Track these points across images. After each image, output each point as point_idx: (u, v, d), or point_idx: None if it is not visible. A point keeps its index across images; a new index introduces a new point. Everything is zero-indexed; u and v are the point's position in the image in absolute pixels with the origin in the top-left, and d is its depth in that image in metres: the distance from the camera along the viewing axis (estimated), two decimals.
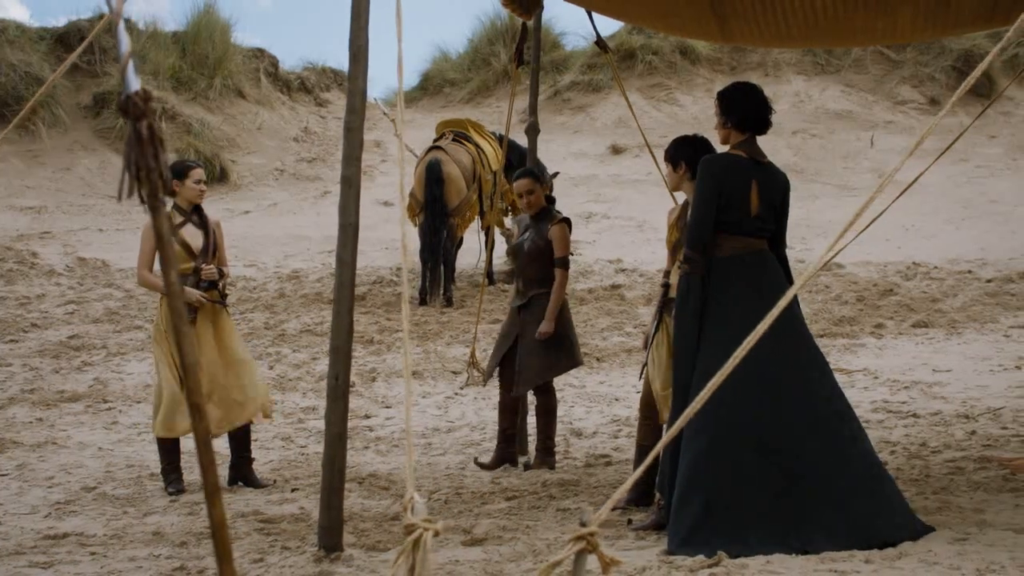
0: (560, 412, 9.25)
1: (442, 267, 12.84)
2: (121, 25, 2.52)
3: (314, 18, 37.69)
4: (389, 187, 16.99)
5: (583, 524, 2.91)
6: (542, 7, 8.04)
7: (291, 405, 9.56)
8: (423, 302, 12.75)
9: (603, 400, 9.60)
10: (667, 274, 6.41)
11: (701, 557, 5.02)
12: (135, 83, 2.44)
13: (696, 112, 19.31)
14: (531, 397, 7.85)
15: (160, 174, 2.44)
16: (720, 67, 20.59)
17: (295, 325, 11.97)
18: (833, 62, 20.57)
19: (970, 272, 13.62)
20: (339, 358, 5.44)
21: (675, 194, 6.68)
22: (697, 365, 5.50)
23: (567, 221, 7.57)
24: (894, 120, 19.51)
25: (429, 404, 9.57)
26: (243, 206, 16.53)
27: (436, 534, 2.89)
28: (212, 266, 7.25)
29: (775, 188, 5.80)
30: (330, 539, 5.37)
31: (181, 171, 7.23)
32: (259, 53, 19.98)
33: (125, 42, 2.47)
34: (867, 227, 6.50)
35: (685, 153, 6.13)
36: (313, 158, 18.49)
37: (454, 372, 10.42)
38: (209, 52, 18.67)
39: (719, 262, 5.65)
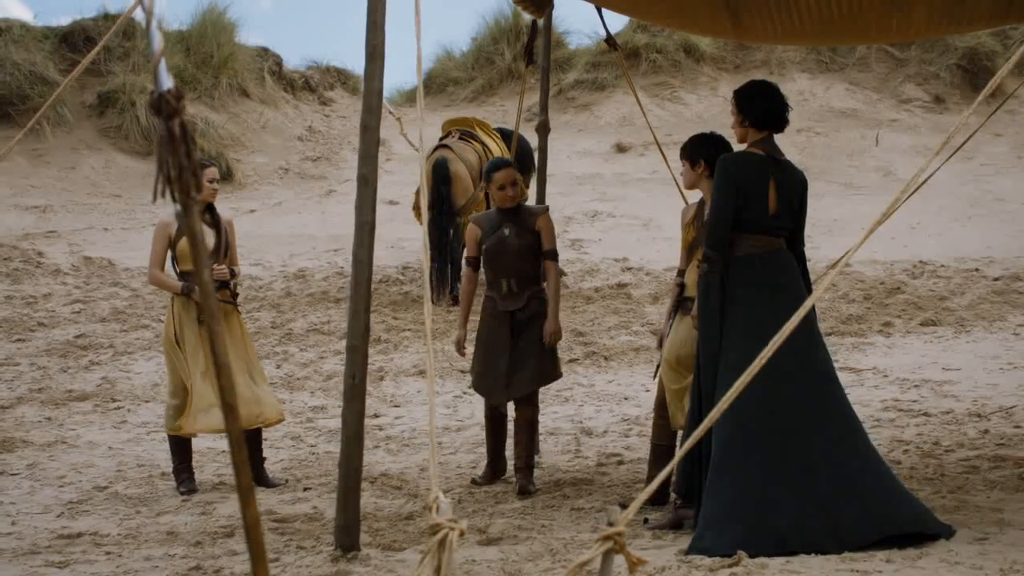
0: (570, 411, 9.25)
1: (449, 266, 12.81)
2: (154, 24, 2.49)
3: (315, 17, 37.63)
4: (394, 186, 16.94)
5: (610, 524, 2.88)
6: (553, 5, 7.99)
7: (300, 404, 9.54)
8: (431, 301, 12.71)
9: (612, 399, 9.57)
10: (681, 273, 6.38)
11: (720, 557, 5.00)
12: (167, 81, 2.42)
13: (700, 111, 19.29)
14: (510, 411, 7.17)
15: (193, 172, 2.43)
16: (724, 65, 20.56)
17: (302, 324, 11.95)
18: (838, 60, 20.54)
19: (977, 270, 13.59)
20: (356, 358, 5.41)
21: (688, 193, 6.65)
22: (719, 364, 5.49)
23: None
24: (899, 118, 19.49)
25: (438, 403, 9.54)
26: (248, 205, 16.50)
27: (461, 534, 2.88)
28: (224, 266, 7.22)
29: (793, 186, 5.79)
30: (347, 538, 5.37)
31: None
32: (263, 52, 19.93)
33: (158, 40, 2.44)
34: (875, 227, 6.49)
35: (704, 151, 6.09)
36: (318, 157, 18.45)
37: (462, 371, 10.40)
38: (214, 52, 18.64)
39: (737, 261, 5.64)
